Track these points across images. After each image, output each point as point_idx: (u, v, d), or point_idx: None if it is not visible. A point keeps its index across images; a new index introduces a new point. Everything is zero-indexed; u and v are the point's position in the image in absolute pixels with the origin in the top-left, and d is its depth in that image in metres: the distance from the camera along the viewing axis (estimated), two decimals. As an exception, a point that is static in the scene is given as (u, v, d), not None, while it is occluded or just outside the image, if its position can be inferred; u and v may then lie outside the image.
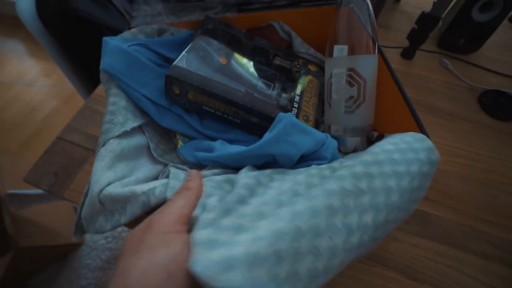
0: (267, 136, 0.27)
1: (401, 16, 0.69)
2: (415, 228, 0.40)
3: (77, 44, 0.68)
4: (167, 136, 0.39)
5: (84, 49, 0.68)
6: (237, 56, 0.40)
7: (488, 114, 0.53)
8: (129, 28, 0.40)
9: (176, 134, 0.38)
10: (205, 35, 0.40)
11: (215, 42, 0.39)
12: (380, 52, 0.39)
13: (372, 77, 0.37)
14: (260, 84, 0.37)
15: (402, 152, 0.24)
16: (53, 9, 0.62)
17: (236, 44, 0.41)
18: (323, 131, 0.40)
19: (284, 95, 0.38)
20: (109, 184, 0.27)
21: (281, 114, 0.28)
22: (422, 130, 0.31)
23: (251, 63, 0.40)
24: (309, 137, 0.27)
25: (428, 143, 0.26)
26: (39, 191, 0.46)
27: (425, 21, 0.53)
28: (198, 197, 0.23)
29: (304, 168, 0.26)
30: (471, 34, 0.59)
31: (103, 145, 0.30)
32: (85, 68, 0.73)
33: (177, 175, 0.27)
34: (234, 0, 0.44)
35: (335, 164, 0.25)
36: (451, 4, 0.54)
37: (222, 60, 0.38)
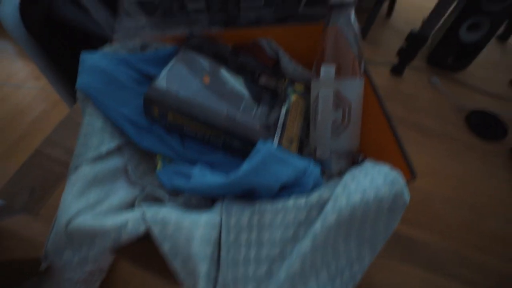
0: (245, 167, 0.26)
1: (391, 32, 0.69)
2: (400, 254, 0.39)
3: (62, 51, 0.66)
4: (147, 156, 0.38)
5: (69, 56, 0.66)
6: (223, 71, 0.39)
7: (476, 134, 0.53)
8: (111, 42, 0.39)
9: (157, 154, 0.36)
10: (189, 51, 0.39)
11: (199, 59, 0.38)
12: (366, 74, 0.39)
13: (357, 100, 0.36)
14: (244, 103, 0.36)
15: (366, 209, 0.24)
16: (37, 16, 0.60)
17: (221, 61, 0.40)
18: (308, 153, 0.40)
19: (268, 115, 0.37)
20: (78, 212, 0.26)
21: (260, 143, 0.27)
22: (405, 159, 0.31)
23: (237, 80, 0.39)
24: (289, 167, 0.27)
25: (398, 185, 0.24)
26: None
27: (414, 40, 0.53)
28: None
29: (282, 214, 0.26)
30: (459, 52, 0.59)
31: (75, 169, 0.29)
32: (70, 75, 0.72)
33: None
34: (220, 15, 0.43)
35: (313, 198, 0.25)
36: (440, 23, 0.54)
37: (205, 79, 0.37)
